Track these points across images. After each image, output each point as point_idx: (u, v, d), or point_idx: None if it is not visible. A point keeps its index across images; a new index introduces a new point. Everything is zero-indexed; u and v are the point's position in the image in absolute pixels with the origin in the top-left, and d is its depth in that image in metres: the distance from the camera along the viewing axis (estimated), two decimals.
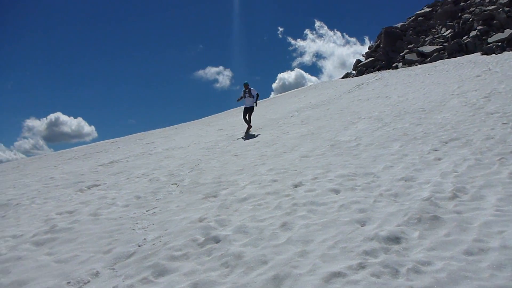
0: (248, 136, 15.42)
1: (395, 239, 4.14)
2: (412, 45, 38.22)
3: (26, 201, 8.78)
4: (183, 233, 5.32)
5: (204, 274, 4.09)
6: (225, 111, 34.44)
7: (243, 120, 17.28)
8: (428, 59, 33.42)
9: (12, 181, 12.37)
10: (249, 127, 16.84)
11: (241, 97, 17.03)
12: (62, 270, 4.77)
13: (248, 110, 17.00)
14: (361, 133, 11.26)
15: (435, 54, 33.38)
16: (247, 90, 16.83)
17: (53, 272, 4.75)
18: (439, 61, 31.12)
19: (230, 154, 11.98)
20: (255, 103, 17.19)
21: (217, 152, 12.71)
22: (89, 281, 4.39)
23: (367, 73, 38.89)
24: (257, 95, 17.10)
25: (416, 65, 33.47)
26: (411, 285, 3.29)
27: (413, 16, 43.59)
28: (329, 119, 15.80)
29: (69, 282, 4.38)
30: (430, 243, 3.99)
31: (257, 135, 15.17)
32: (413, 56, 35.79)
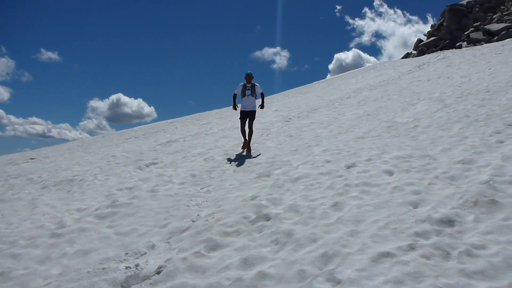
0: (246, 154, 10.15)
1: (449, 222, 4.04)
2: (479, 23, 36.22)
3: (89, 177, 9.27)
4: (235, 211, 5.45)
5: (254, 250, 4.19)
6: (282, 92, 34.35)
7: (241, 132, 10.74)
8: (495, 38, 31.62)
9: (77, 158, 13.07)
10: (248, 143, 10.53)
11: (235, 95, 10.89)
12: (121, 242, 5.04)
13: (248, 116, 10.71)
14: (420, 115, 10.93)
15: (503, 33, 31.51)
16: (249, 86, 10.67)
17: (114, 244, 5.03)
18: (508, 39, 29.35)
19: (285, 134, 12.03)
20: (260, 106, 11.04)
21: (272, 133, 12.79)
22: (145, 253, 4.61)
23: (429, 53, 37.41)
24: (262, 95, 11.04)
25: (482, 44, 31.76)
26: (462, 268, 3.21)
27: None
28: (387, 100, 15.43)
29: (127, 253, 4.62)
30: (485, 227, 3.86)
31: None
32: (479, 35, 33.98)
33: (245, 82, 10.67)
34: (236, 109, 11.06)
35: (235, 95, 10.86)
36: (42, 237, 5.60)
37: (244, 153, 10.15)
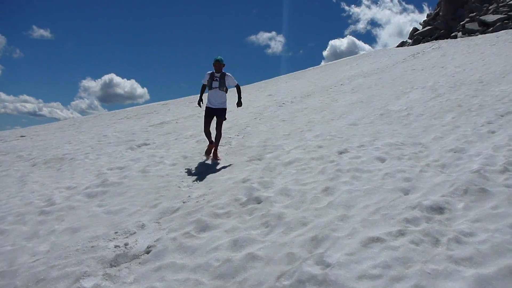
0: (208, 163, 7.82)
1: (439, 209, 4.05)
2: (474, 13, 36.22)
3: (80, 156, 9.20)
4: (226, 193, 5.43)
5: (244, 232, 4.18)
6: (276, 77, 34.22)
7: (205, 133, 8.30)
8: (490, 29, 31.68)
9: (68, 137, 12.98)
10: (215, 149, 8.11)
11: (204, 87, 8.29)
12: (111, 221, 5.02)
13: (216, 115, 8.14)
14: (413, 103, 10.94)
15: (498, 24, 31.54)
16: (217, 76, 7.97)
17: (103, 222, 5.00)
18: (503, 31, 29.38)
19: (278, 119, 12.00)
20: (237, 103, 8.47)
21: (265, 117, 12.75)
22: (135, 232, 4.59)
23: (424, 42, 37.40)
24: (238, 87, 8.32)
25: (477, 35, 31.81)
26: (451, 254, 3.23)
27: None
28: (381, 88, 15.42)
29: (116, 232, 4.60)
30: (475, 215, 3.88)
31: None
32: (474, 26, 34.01)
33: (214, 70, 8.04)
34: (200, 105, 8.38)
35: (203, 86, 8.30)
36: (31, 214, 5.56)
37: (209, 161, 7.89)
